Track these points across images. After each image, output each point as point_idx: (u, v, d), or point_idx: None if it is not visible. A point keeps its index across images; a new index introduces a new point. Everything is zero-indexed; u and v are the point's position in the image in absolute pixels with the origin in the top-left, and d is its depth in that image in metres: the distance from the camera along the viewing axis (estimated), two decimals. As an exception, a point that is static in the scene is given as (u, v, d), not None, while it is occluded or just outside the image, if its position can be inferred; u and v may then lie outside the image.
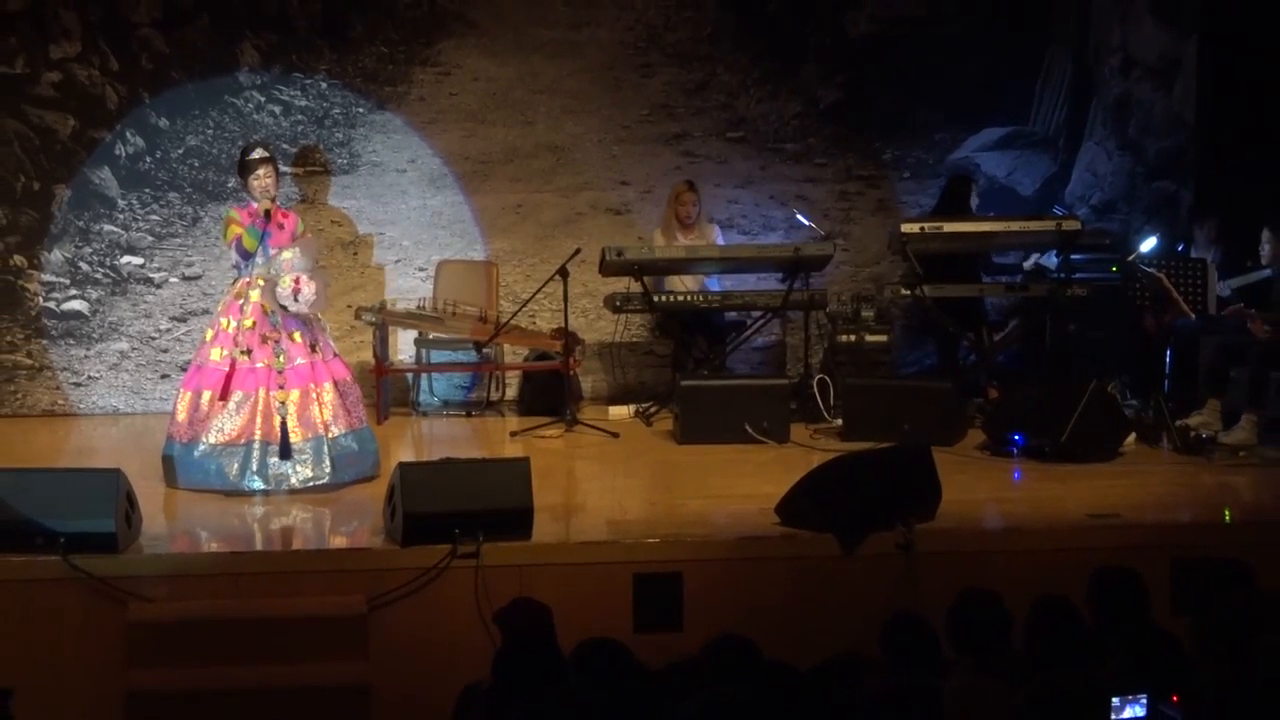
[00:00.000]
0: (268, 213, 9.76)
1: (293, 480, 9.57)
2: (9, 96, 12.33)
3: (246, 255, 9.80)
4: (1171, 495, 9.83)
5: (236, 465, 9.53)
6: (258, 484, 9.53)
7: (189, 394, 9.72)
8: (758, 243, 12.80)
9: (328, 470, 9.62)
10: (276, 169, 10.04)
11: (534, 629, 6.38)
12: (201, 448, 9.58)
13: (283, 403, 9.60)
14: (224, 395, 9.59)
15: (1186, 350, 11.70)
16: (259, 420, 9.56)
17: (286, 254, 9.73)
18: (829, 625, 8.01)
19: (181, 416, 9.69)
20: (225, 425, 9.57)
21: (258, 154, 9.96)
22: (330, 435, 9.67)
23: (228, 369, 9.64)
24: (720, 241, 12.47)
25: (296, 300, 9.63)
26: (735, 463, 10.55)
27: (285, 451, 9.58)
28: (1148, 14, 13.54)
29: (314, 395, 9.68)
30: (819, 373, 12.16)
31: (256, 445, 9.54)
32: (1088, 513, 9.08)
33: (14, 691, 6.56)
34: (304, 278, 9.66)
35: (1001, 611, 6.35)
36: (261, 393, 9.59)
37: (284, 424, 9.58)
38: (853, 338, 12.49)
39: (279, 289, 9.63)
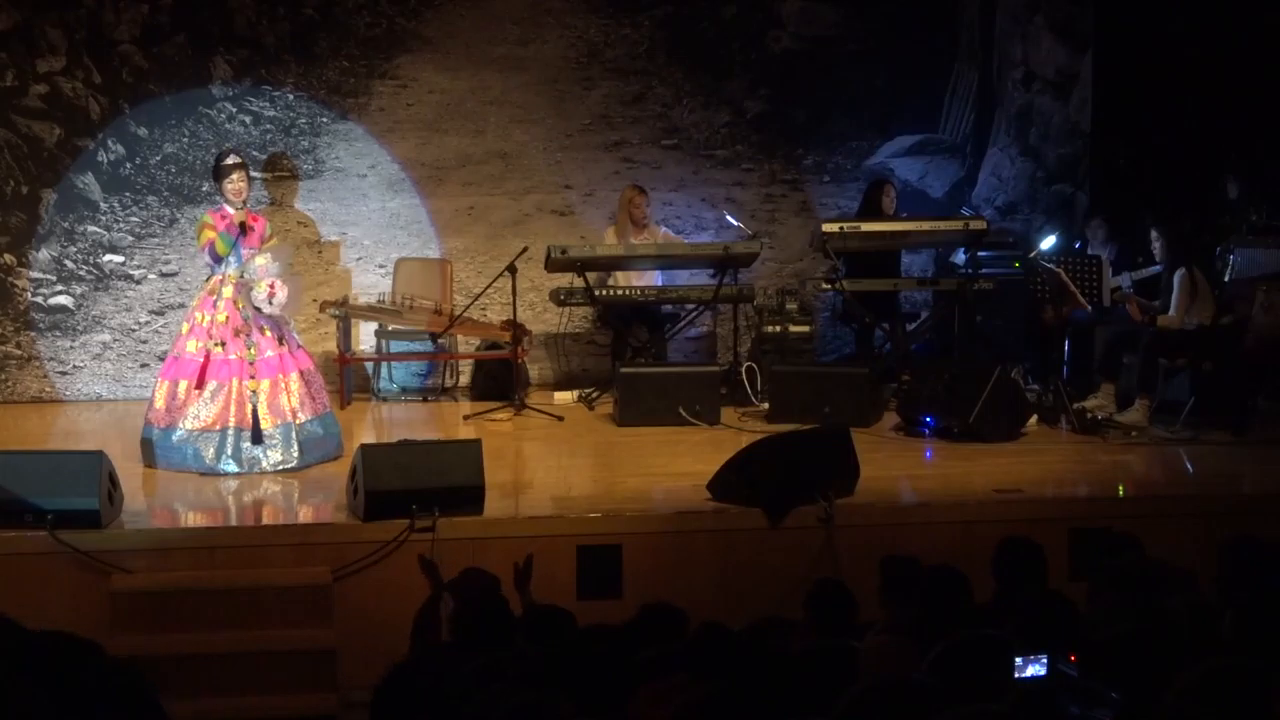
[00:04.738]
0: (243, 224, 9.69)
1: (264, 464, 9.53)
2: (-1, 107, 12.26)
3: (219, 259, 9.69)
4: (1070, 472, 9.89)
5: (212, 449, 9.48)
6: (232, 467, 9.47)
7: (166, 383, 9.66)
8: (691, 241, 12.78)
9: (296, 454, 9.58)
10: (248, 174, 9.96)
11: (483, 595, 6.35)
12: (179, 433, 9.53)
13: (254, 392, 9.55)
14: (200, 384, 9.54)
15: (1083, 339, 11.76)
16: (233, 408, 9.51)
17: (260, 259, 9.63)
18: (756, 592, 8.03)
19: (160, 404, 9.64)
20: (201, 412, 9.52)
21: (232, 160, 9.87)
22: (298, 421, 9.64)
23: (203, 360, 9.57)
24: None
25: (271, 304, 9.58)
26: (670, 443, 10.54)
27: (257, 437, 9.54)
28: (1046, 32, 13.61)
29: (282, 385, 9.64)
30: (747, 360, 12.20)
31: (231, 431, 9.49)
32: (993, 488, 9.12)
33: (4, 657, 6.53)
34: (278, 282, 9.59)
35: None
36: (235, 383, 9.53)
37: (255, 411, 9.54)
38: (778, 328, 12.57)
39: (255, 293, 9.57)
